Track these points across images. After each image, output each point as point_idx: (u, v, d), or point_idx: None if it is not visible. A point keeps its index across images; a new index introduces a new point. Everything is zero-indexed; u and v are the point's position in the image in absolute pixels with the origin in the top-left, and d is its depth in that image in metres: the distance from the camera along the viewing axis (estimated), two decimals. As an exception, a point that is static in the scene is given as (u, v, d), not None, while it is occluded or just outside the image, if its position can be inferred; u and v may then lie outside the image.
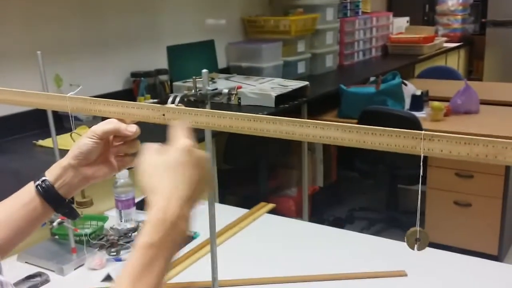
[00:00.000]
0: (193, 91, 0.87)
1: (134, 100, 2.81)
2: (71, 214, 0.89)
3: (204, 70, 0.88)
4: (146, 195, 0.69)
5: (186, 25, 3.22)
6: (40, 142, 2.20)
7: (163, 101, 3.02)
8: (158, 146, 0.72)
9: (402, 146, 0.65)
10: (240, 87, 0.93)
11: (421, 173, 0.69)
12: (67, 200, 0.87)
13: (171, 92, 3.05)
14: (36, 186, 0.85)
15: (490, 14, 5.53)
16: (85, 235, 1.53)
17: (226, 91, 0.88)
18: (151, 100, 2.84)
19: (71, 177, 0.86)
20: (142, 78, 2.86)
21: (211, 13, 3.41)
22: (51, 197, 0.85)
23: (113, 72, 2.82)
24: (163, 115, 0.80)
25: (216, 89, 0.89)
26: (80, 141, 0.87)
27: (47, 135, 2.25)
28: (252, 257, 1.48)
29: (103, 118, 0.89)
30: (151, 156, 0.71)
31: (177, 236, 0.66)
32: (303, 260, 1.45)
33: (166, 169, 0.69)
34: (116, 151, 0.90)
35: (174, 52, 3.12)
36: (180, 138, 0.71)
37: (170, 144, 0.71)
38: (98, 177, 0.89)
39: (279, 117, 0.71)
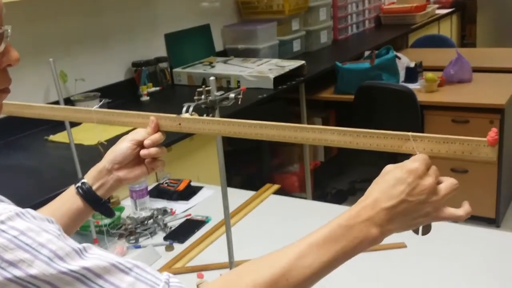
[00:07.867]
0: (202, 97, 0.96)
1: (137, 88, 2.91)
2: (108, 212, 1.01)
3: (212, 78, 0.97)
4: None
5: (181, 11, 3.28)
6: (52, 138, 2.29)
7: (165, 88, 3.04)
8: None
9: (391, 146, 0.75)
10: (244, 89, 1.02)
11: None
12: (103, 200, 0.98)
13: (172, 78, 3.14)
14: (77, 188, 0.96)
15: (481, -22, 5.56)
16: (105, 225, 1.64)
17: (232, 95, 0.97)
18: (154, 88, 2.94)
19: (106, 179, 0.97)
20: (143, 67, 2.94)
21: (205, -3, 3.47)
22: (91, 198, 0.96)
23: (114, 63, 2.90)
24: (179, 124, 0.90)
25: (223, 94, 0.98)
26: (116, 146, 0.97)
27: (57, 130, 2.35)
28: (262, 238, 1.59)
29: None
30: (390, 167, 0.75)
31: (360, 235, 0.72)
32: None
33: (389, 179, 0.72)
34: (148, 155, 0.97)
35: (171, 39, 3.19)
36: (416, 161, 0.72)
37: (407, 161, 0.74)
38: (130, 178, 0.99)
39: (282, 124, 0.81)
